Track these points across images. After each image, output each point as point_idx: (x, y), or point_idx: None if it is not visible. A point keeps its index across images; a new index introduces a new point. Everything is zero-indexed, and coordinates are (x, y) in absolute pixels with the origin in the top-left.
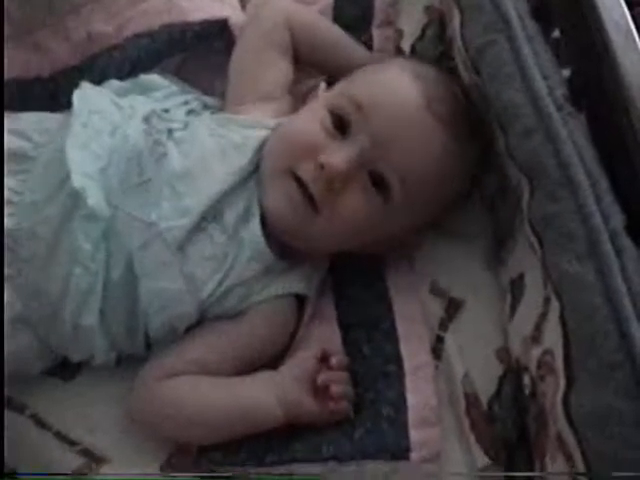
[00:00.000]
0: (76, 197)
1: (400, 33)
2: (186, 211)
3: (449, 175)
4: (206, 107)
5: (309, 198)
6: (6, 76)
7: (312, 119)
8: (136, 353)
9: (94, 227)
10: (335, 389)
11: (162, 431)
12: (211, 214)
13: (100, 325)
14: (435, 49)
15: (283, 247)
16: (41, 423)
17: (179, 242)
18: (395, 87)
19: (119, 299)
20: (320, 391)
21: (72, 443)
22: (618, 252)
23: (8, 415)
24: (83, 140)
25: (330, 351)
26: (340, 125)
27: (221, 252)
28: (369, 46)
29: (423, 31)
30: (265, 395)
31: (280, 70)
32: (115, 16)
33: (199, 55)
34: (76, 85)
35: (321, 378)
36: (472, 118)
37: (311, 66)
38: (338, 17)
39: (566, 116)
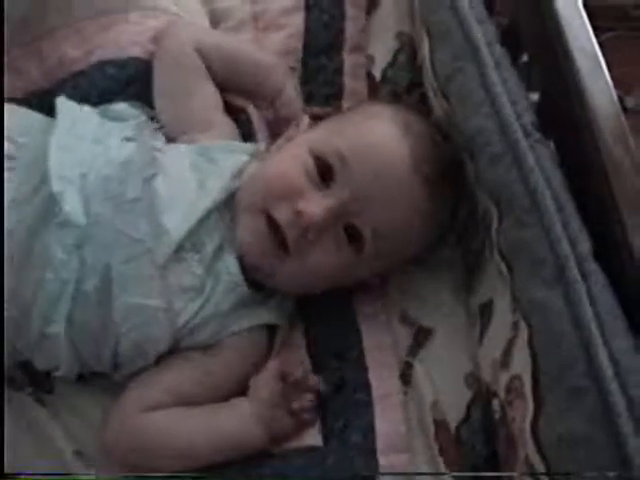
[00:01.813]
0: (53, 201)
1: (371, 59)
2: (166, 232)
3: (422, 229)
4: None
5: (281, 240)
6: None
7: (295, 162)
8: (101, 371)
9: (68, 234)
10: (297, 405)
11: (144, 462)
12: (191, 243)
13: (66, 334)
14: (406, 75)
15: (258, 280)
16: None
17: (164, 262)
18: (381, 144)
19: (90, 310)
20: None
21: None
22: (585, 277)
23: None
24: (67, 142)
25: (287, 370)
26: (323, 174)
27: (199, 283)
28: (340, 71)
29: (394, 57)
30: (246, 421)
31: (204, 96)
32: (85, 42)
33: None
34: (46, 107)
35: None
36: (453, 174)
37: (225, 85)
38: (309, 43)
39: (534, 142)
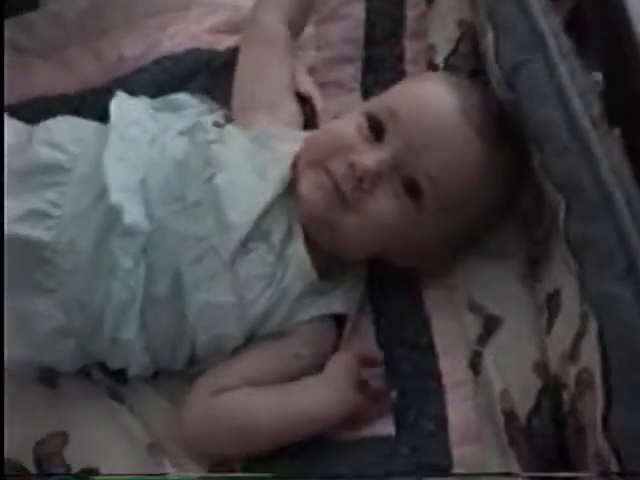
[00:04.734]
0: (114, 212)
1: (433, 48)
2: (233, 226)
3: (482, 183)
4: (228, 120)
5: (341, 194)
6: (32, 94)
7: (349, 122)
8: (176, 369)
9: (133, 243)
10: (375, 385)
11: (219, 446)
12: (258, 233)
13: (140, 339)
14: (468, 64)
15: (325, 266)
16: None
17: (231, 256)
18: (430, 95)
19: (163, 313)
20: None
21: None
22: None
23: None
24: (121, 152)
25: (366, 355)
26: (375, 130)
27: (270, 271)
28: (401, 59)
29: (456, 46)
30: (322, 397)
31: (278, 72)
32: (146, 40)
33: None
34: (102, 104)
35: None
36: (506, 128)
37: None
38: (370, 31)
39: (602, 134)
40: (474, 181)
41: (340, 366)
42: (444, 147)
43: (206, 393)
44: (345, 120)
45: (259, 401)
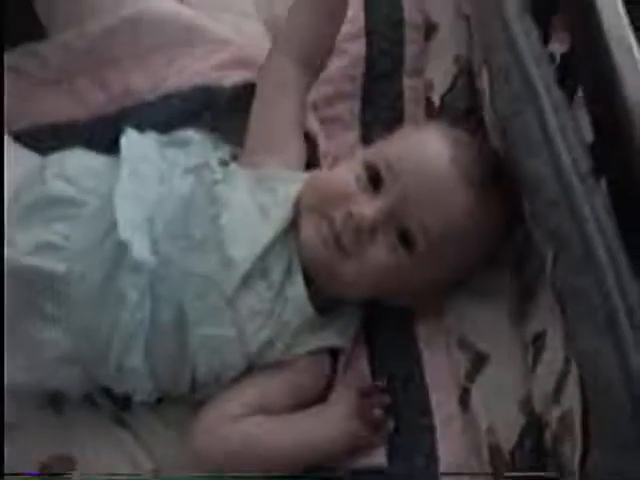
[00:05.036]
0: (123, 247)
1: (430, 84)
2: (235, 263)
3: (473, 235)
4: (234, 157)
5: (340, 243)
6: (40, 122)
7: (348, 172)
8: (179, 393)
9: (140, 277)
10: (378, 413)
11: (234, 470)
12: (258, 271)
13: (145, 367)
14: (465, 102)
15: (323, 302)
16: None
17: (233, 292)
18: (425, 147)
19: (167, 341)
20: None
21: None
22: (635, 328)
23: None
24: (132, 188)
25: (366, 389)
26: (373, 181)
27: (269, 307)
28: (400, 96)
29: (453, 82)
30: (329, 428)
31: (287, 114)
32: (153, 74)
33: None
34: (110, 134)
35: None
36: (501, 179)
37: None
38: (370, 68)
39: (589, 189)
40: (465, 232)
41: (341, 397)
42: (437, 200)
43: (216, 422)
44: (345, 168)
45: (271, 432)
